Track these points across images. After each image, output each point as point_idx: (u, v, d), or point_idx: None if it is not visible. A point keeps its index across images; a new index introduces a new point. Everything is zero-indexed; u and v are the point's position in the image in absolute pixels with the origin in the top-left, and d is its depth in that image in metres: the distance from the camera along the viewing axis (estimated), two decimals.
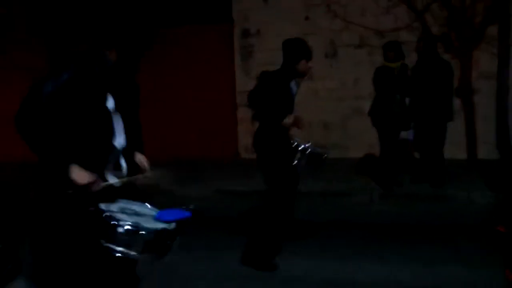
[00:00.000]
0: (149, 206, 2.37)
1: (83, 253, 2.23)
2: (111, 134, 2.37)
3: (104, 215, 2.09)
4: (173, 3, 8.22)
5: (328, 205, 5.95)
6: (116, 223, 2.06)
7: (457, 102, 7.05)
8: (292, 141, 4.06)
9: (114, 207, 2.20)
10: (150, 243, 2.08)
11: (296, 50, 4.10)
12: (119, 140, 2.42)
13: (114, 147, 2.38)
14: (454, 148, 6.67)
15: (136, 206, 2.33)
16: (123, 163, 2.44)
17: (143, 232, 2.07)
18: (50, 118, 2.23)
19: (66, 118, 2.26)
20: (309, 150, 4.06)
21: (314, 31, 7.82)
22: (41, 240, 2.32)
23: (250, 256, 4.13)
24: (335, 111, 7.84)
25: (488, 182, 5.65)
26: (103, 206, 2.16)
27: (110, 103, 2.38)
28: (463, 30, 7.33)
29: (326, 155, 4.19)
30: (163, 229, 2.14)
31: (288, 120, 4.04)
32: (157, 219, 2.20)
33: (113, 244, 2.05)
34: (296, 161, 4.02)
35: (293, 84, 4.18)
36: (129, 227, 2.06)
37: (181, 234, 2.20)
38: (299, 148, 4.04)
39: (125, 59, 2.41)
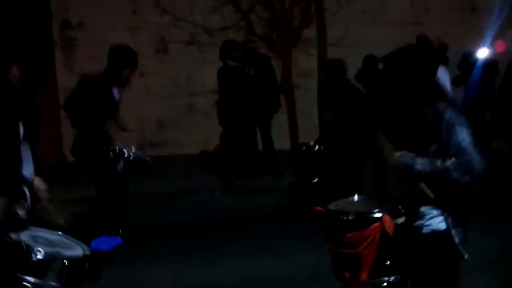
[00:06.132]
0: (59, 232, 2.19)
1: None
2: (20, 164, 2.05)
3: (19, 246, 1.93)
4: None
5: (171, 206, 5.86)
6: (33, 254, 1.92)
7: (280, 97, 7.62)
8: (113, 148, 4.03)
9: (24, 236, 1.99)
10: (69, 270, 1.99)
11: (122, 58, 4.12)
12: (28, 170, 2.10)
13: (24, 178, 2.07)
14: (279, 139, 7.20)
15: (46, 234, 2.12)
16: (27, 192, 2.12)
17: (64, 261, 1.97)
18: None
19: None
20: (132, 156, 4.09)
21: (143, 25, 7.62)
22: None
23: None
24: (168, 108, 7.77)
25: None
26: (14, 236, 1.94)
27: (21, 131, 2.05)
28: (283, 31, 7.94)
29: (149, 160, 4.28)
30: (84, 256, 2.05)
31: (109, 127, 4.05)
32: (93, 249, 2.08)
33: (30, 275, 1.92)
34: (119, 168, 4.02)
35: (115, 91, 4.18)
36: (44, 256, 1.95)
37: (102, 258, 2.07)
38: (122, 155, 4.04)
39: (30, 78, 2.06)
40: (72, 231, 2.25)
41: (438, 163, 2.18)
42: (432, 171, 2.19)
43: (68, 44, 7.55)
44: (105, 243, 2.12)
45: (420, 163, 2.22)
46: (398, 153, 2.29)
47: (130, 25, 7.60)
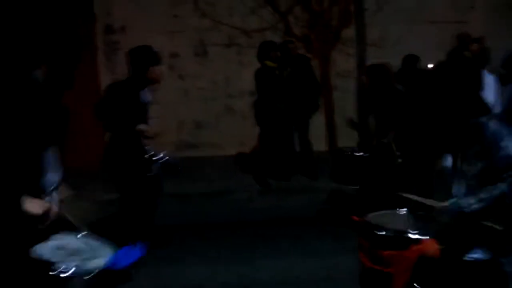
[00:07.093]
0: (84, 233, 2.19)
1: None
2: (41, 175, 2.06)
3: (45, 265, 1.96)
4: None
5: (208, 206, 5.93)
6: (57, 270, 1.96)
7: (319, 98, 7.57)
8: (146, 152, 4.03)
9: (48, 249, 2.02)
10: (95, 282, 2.02)
11: (143, 58, 4.07)
12: (51, 178, 2.12)
13: (44, 189, 2.09)
14: (316, 141, 7.15)
15: (71, 240, 2.13)
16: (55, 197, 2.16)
17: (89, 274, 2.01)
18: None
19: None
20: (164, 160, 4.08)
21: (183, 29, 7.75)
22: None
23: None
24: (207, 110, 7.86)
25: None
26: (38, 251, 1.98)
27: (45, 135, 2.05)
28: (321, 32, 7.89)
29: (180, 165, 4.30)
30: (106, 267, 2.07)
31: (142, 126, 4.02)
32: (113, 265, 2.08)
33: None
34: (152, 172, 4.03)
35: (144, 93, 4.15)
36: (68, 270, 1.97)
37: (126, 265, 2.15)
38: (154, 159, 4.04)
39: (57, 78, 2.06)
40: (96, 232, 2.24)
41: (494, 191, 2.08)
42: (488, 203, 2.08)
43: (111, 48, 7.76)
44: (122, 258, 2.12)
45: (472, 202, 2.10)
46: (443, 205, 2.18)
47: (171, 28, 7.75)
